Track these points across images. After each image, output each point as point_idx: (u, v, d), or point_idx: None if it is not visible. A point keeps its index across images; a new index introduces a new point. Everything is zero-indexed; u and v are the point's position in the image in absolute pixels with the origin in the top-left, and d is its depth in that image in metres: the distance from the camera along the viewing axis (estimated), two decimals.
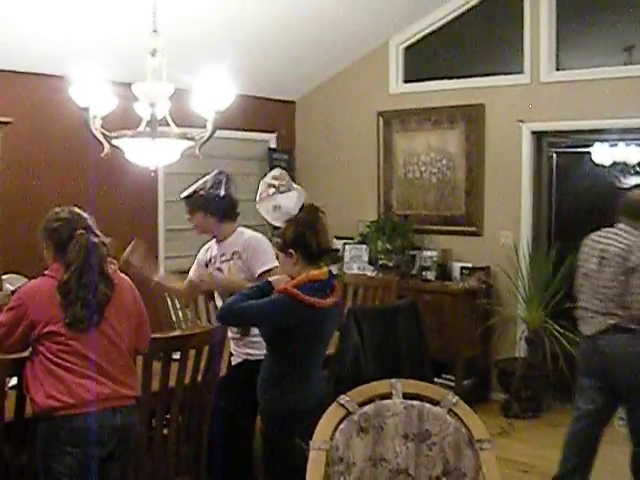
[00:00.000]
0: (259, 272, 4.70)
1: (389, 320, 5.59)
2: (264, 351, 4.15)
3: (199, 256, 5.28)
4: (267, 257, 4.78)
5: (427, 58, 8.45)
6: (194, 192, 4.94)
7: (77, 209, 3.89)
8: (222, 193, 4.91)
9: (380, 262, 8.12)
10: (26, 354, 3.56)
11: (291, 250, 3.92)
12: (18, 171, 6.70)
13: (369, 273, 7.95)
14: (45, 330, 3.46)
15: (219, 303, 4.95)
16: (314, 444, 2.83)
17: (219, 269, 4.94)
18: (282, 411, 3.88)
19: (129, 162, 4.51)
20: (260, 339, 4.24)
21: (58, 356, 3.46)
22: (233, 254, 4.85)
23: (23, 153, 6.80)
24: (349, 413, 2.93)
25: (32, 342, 3.50)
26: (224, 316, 4.02)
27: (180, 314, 6.53)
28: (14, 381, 3.68)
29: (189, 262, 7.72)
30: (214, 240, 5.08)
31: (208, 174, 5.06)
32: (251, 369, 4.40)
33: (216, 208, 4.85)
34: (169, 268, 7.85)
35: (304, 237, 3.90)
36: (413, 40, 8.38)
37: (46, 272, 3.66)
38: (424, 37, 8.29)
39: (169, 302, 6.50)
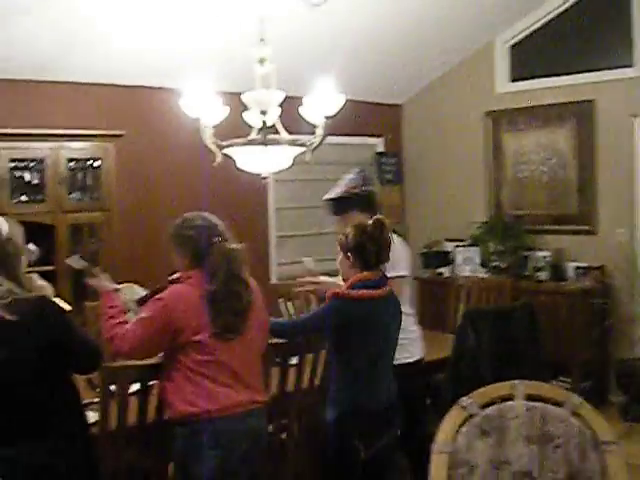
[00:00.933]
0: (392, 276, 4.53)
1: (505, 321, 5.53)
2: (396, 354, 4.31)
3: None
4: (401, 265, 4.67)
5: (534, 55, 8.31)
6: (346, 192, 4.80)
7: (209, 215, 3.92)
8: (372, 189, 4.88)
9: (492, 264, 8.02)
10: (152, 360, 3.61)
11: (350, 254, 4.04)
12: (132, 182, 6.87)
13: (481, 275, 7.86)
14: (191, 339, 3.48)
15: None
16: (437, 447, 2.81)
17: None
18: (341, 412, 3.93)
19: (240, 170, 4.57)
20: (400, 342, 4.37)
21: (201, 365, 3.49)
22: None
23: (136, 165, 6.97)
24: (471, 415, 2.90)
25: (173, 350, 3.52)
26: (276, 334, 4.11)
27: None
28: (136, 387, 3.72)
29: (300, 268, 7.79)
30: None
31: (348, 175, 4.95)
32: None
33: (369, 204, 4.76)
34: (280, 275, 7.92)
35: (364, 246, 4.00)
36: (519, 38, 8.27)
37: (181, 279, 3.66)
38: (530, 34, 8.17)
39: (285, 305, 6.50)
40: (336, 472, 3.98)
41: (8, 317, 2.88)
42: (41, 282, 3.31)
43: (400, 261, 4.64)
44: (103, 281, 3.94)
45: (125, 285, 6.52)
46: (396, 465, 4.45)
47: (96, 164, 6.37)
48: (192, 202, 7.15)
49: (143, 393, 3.70)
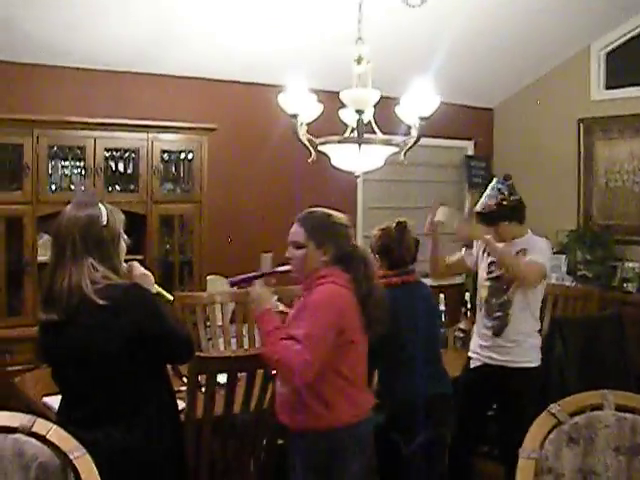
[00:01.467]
0: (529, 258, 4.65)
1: (593, 331, 5.47)
2: (507, 357, 4.54)
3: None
4: (544, 258, 4.70)
5: (630, 63, 8.17)
6: (498, 204, 4.77)
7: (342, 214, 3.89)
8: (519, 197, 4.86)
9: (579, 273, 7.92)
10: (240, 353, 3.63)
11: (377, 256, 4.29)
12: (223, 176, 6.96)
13: (567, 284, 7.77)
14: (349, 339, 3.48)
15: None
16: (523, 452, 2.79)
17: (495, 262, 4.77)
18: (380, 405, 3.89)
19: (331, 168, 4.60)
20: (509, 344, 4.59)
21: (347, 368, 3.49)
22: (521, 251, 4.72)
23: (228, 159, 7.06)
24: (559, 423, 2.86)
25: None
26: None
27: None
28: (223, 379, 3.76)
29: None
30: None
31: (495, 184, 4.91)
32: (487, 373, 4.66)
33: (518, 213, 4.79)
34: None
35: (389, 248, 4.30)
36: (615, 45, 8.15)
37: (327, 277, 3.55)
38: (627, 41, 8.04)
39: None
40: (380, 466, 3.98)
41: (100, 302, 2.92)
42: (142, 270, 3.32)
43: (543, 254, 4.69)
44: (264, 298, 3.60)
45: (212, 277, 6.63)
46: (438, 466, 4.41)
47: (189, 156, 6.47)
48: (282, 198, 7.26)
49: (230, 384, 3.73)
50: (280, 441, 4.14)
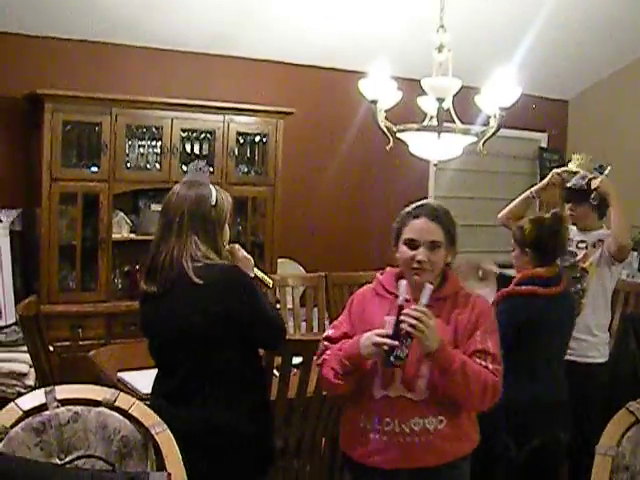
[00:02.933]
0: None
1: None
2: (576, 352, 4.44)
3: None
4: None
5: None
6: (589, 185, 4.74)
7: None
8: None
9: None
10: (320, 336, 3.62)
11: (527, 249, 4.06)
12: (298, 160, 6.98)
13: (639, 280, 7.66)
14: None
15: None
16: (600, 449, 2.77)
17: (569, 251, 4.69)
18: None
19: (406, 155, 4.60)
20: (582, 336, 4.48)
21: None
22: (597, 242, 4.69)
23: (303, 143, 7.08)
24: (638, 421, 2.84)
25: None
26: None
27: None
28: (298, 360, 3.79)
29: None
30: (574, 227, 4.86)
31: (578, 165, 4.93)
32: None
33: (603, 203, 4.72)
34: None
35: (543, 240, 4.04)
36: None
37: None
38: None
39: None
40: (482, 468, 3.91)
41: (196, 280, 2.98)
42: (244, 253, 3.36)
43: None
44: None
45: (283, 260, 6.68)
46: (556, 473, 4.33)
47: (264, 140, 6.51)
48: (356, 184, 7.26)
49: (305, 367, 3.75)
50: None
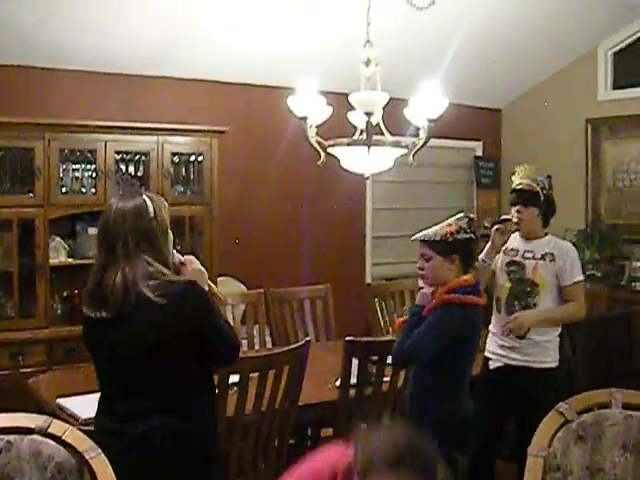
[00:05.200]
0: (570, 282, 4.64)
1: (601, 331, 5.50)
2: (530, 357, 4.55)
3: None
4: (579, 270, 4.73)
5: (638, 63, 8.19)
6: (542, 188, 4.78)
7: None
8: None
9: (588, 272, 7.93)
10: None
11: (455, 255, 3.91)
12: (233, 178, 7.01)
13: None
14: None
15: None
16: (532, 450, 2.82)
17: (516, 262, 4.73)
18: (440, 423, 3.69)
19: (340, 170, 4.63)
20: (531, 345, 4.55)
21: None
22: (545, 255, 4.68)
23: (238, 161, 7.11)
24: (567, 421, 2.89)
25: None
26: (398, 361, 4.00)
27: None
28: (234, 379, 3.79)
29: (395, 269, 7.84)
30: (517, 233, 4.88)
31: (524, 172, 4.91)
32: (508, 374, 4.61)
33: (550, 211, 4.80)
34: (375, 275, 7.97)
35: (469, 245, 3.99)
36: (623, 45, 8.16)
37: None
38: (634, 42, 8.06)
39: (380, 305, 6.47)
40: None
41: (156, 300, 2.90)
42: (199, 267, 3.26)
43: (576, 265, 4.70)
44: None
45: (223, 278, 6.68)
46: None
47: (199, 159, 6.51)
48: (291, 200, 7.29)
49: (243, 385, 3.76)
50: (291, 441, 4.18)
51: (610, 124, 8.25)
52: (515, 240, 4.84)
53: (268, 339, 6.02)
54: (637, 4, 7.56)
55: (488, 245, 4.78)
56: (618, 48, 8.22)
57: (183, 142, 6.41)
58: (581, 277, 4.70)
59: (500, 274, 4.81)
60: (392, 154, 4.42)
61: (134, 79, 6.59)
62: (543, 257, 4.68)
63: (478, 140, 9.10)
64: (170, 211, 5.71)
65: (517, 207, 4.76)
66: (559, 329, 4.74)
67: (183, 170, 6.53)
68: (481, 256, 4.72)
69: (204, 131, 6.46)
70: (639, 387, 3.95)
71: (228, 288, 6.57)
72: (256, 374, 3.81)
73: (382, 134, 4.51)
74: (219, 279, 6.61)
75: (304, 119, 4.27)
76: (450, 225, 3.93)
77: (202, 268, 3.28)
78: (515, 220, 4.74)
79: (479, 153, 9.13)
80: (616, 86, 8.29)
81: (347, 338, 4.10)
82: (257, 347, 5.83)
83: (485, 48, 7.46)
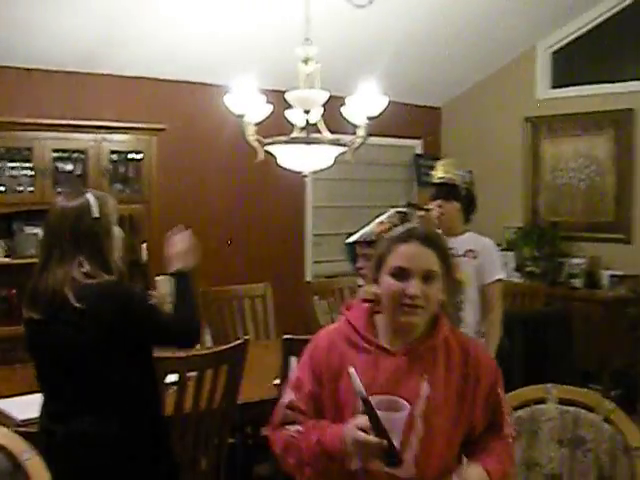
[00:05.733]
0: (492, 280, 4.63)
1: (538, 327, 5.55)
2: None
3: None
4: (500, 267, 4.73)
5: (575, 62, 8.31)
6: (463, 183, 4.79)
7: None
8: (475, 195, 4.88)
9: (527, 269, 8.03)
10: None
11: None
12: (173, 176, 6.96)
13: (516, 280, 7.85)
14: None
15: None
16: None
17: None
18: None
19: (280, 168, 4.62)
20: None
21: None
22: (467, 252, 4.62)
23: (178, 159, 7.06)
24: None
25: None
26: None
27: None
28: (172, 378, 3.77)
29: (335, 267, 7.83)
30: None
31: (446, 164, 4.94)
32: None
33: (471, 207, 4.78)
34: (316, 272, 7.97)
35: None
36: (561, 44, 8.27)
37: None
38: (572, 41, 8.17)
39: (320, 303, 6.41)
40: None
41: (78, 305, 2.90)
42: (182, 247, 3.38)
43: (498, 262, 4.72)
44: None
45: (162, 277, 6.61)
46: None
47: (138, 157, 6.46)
48: (233, 198, 7.27)
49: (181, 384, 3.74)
50: (231, 440, 4.17)
51: (549, 122, 8.35)
52: None
53: (208, 338, 5.98)
54: (574, 3, 7.67)
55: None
56: (557, 47, 8.32)
57: (122, 140, 6.35)
58: (502, 275, 4.70)
59: None
60: (331, 152, 4.42)
61: (72, 76, 6.50)
62: (465, 254, 4.62)
63: (418, 138, 9.14)
64: None
65: (438, 201, 4.69)
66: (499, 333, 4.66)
67: (122, 168, 6.47)
68: None
69: (143, 129, 6.41)
70: (576, 382, 4.02)
71: (168, 287, 6.51)
72: (194, 373, 3.79)
73: (321, 132, 4.51)
74: (159, 278, 6.54)
75: (241, 117, 4.26)
76: (382, 223, 3.87)
77: (185, 247, 3.43)
78: (436, 214, 4.63)
79: (419, 151, 9.18)
80: (555, 85, 8.40)
81: (285, 336, 4.09)
82: (197, 346, 5.78)
83: (424, 46, 7.50)
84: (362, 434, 2.16)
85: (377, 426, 2.14)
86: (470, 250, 4.62)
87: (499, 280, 4.67)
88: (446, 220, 4.64)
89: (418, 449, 2.33)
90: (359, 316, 2.52)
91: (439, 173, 4.81)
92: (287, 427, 2.42)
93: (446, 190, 4.69)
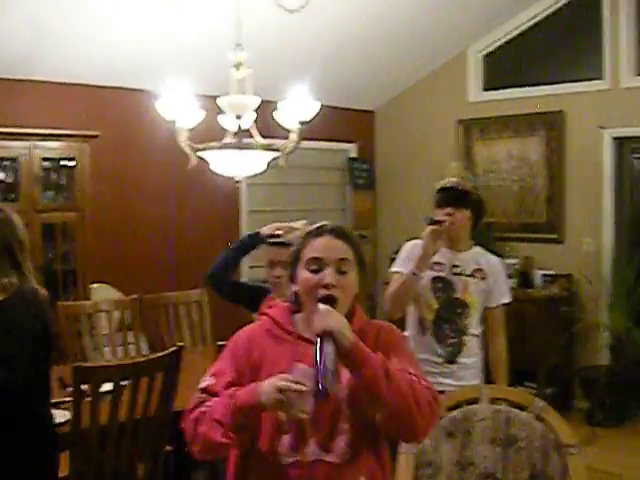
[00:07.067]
0: (498, 304, 4.22)
1: None
2: (462, 382, 3.98)
3: (407, 252, 4.22)
4: (508, 290, 4.31)
5: (506, 66, 8.42)
6: (473, 187, 4.25)
7: None
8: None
9: None
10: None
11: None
12: (106, 183, 6.90)
13: None
14: None
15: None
16: (401, 448, 2.86)
17: (443, 279, 4.15)
18: None
19: (213, 173, 4.61)
20: (463, 369, 4.07)
21: None
22: (475, 271, 4.16)
23: (111, 166, 6.99)
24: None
25: None
26: None
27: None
28: (107, 387, 3.74)
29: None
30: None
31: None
32: None
33: (480, 215, 4.25)
34: (252, 277, 7.94)
35: None
36: (492, 48, 8.37)
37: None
38: (503, 45, 8.27)
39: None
40: None
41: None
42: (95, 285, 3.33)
43: (506, 284, 4.32)
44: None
45: (97, 285, 6.57)
46: None
47: (70, 164, 6.39)
48: (166, 204, 7.22)
49: (116, 393, 3.72)
50: (169, 447, 4.15)
51: (480, 125, 8.44)
52: (439, 252, 4.10)
53: (144, 345, 5.95)
54: (505, 7, 7.76)
55: (419, 253, 4.01)
56: (487, 51, 8.42)
57: (54, 147, 6.28)
58: (509, 298, 4.26)
59: (424, 291, 4.15)
60: (264, 158, 4.43)
61: (3, 82, 6.41)
62: (473, 274, 4.16)
63: (352, 142, 9.17)
64: (41, 218, 5.67)
65: (447, 209, 4.09)
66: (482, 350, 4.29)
67: (54, 176, 6.40)
68: (410, 268, 4.02)
69: (76, 136, 6.34)
70: (511, 381, 4.06)
71: (104, 295, 6.48)
72: (129, 382, 3.77)
73: (253, 137, 4.51)
74: (94, 286, 6.51)
75: (173, 123, 4.24)
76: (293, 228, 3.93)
77: None
78: (447, 224, 4.03)
79: (353, 155, 9.20)
80: (486, 88, 8.49)
81: (219, 343, 4.08)
82: (133, 354, 5.75)
83: (357, 50, 7.54)
84: (283, 381, 2.23)
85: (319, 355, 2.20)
86: (479, 269, 4.17)
87: (505, 304, 4.26)
88: (456, 231, 4.12)
89: (351, 431, 2.38)
90: (280, 313, 2.57)
91: (449, 177, 4.32)
92: (200, 407, 2.41)
93: (457, 196, 4.12)
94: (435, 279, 4.13)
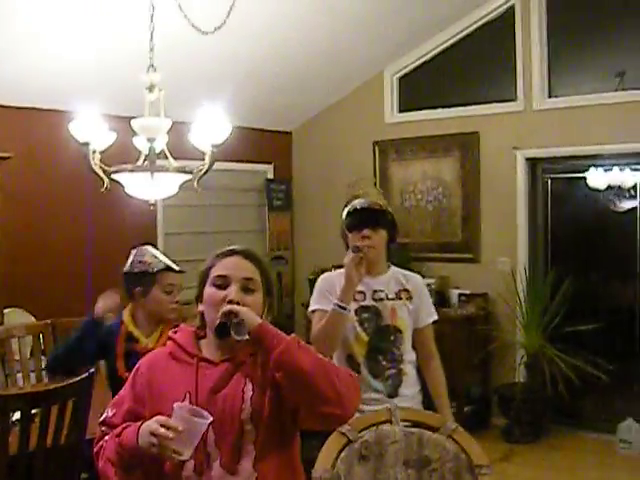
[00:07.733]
0: (427, 323, 4.02)
1: None
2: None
3: (321, 287, 3.95)
4: (432, 307, 4.10)
5: (422, 87, 8.55)
6: (387, 207, 3.94)
7: None
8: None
9: None
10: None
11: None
12: (18, 206, 6.75)
13: None
14: None
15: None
16: (316, 473, 2.85)
17: (367, 307, 3.89)
18: None
19: (128, 196, 4.56)
20: (406, 401, 3.74)
21: None
22: (400, 292, 3.93)
23: (23, 188, 6.85)
24: (350, 441, 2.95)
25: None
26: None
27: None
28: (17, 415, 3.67)
29: (187, 294, 7.76)
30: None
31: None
32: None
33: (395, 231, 3.96)
34: None
35: None
36: (407, 70, 8.47)
37: None
38: (418, 67, 8.37)
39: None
40: None
41: None
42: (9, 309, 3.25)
43: (430, 302, 4.09)
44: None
45: (10, 310, 6.44)
46: None
47: None
48: (79, 227, 7.12)
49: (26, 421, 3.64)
50: (84, 475, 4.08)
51: (396, 146, 8.51)
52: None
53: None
54: (419, 30, 7.85)
55: (340, 285, 3.73)
56: (403, 73, 8.51)
57: None
58: (436, 316, 4.08)
59: (350, 326, 3.86)
60: (176, 180, 4.38)
61: None
62: (398, 295, 3.92)
63: (269, 163, 9.17)
64: None
65: (364, 231, 3.81)
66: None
67: None
68: (334, 302, 3.70)
69: None
70: (429, 401, 4.05)
71: (17, 319, 6.35)
72: (39, 409, 3.70)
73: (167, 159, 4.47)
74: (6, 310, 6.37)
75: (85, 145, 4.18)
76: None
77: None
78: (366, 247, 3.73)
79: (270, 176, 9.20)
80: (402, 109, 8.57)
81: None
82: (46, 380, 5.64)
83: (274, 72, 7.55)
84: (156, 424, 2.25)
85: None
86: (404, 290, 3.94)
87: (433, 322, 4.07)
88: (374, 254, 3.84)
89: (257, 451, 2.41)
90: (184, 336, 2.60)
91: (361, 198, 3.96)
92: (100, 441, 2.48)
93: (372, 216, 3.86)
94: (359, 309, 3.87)
